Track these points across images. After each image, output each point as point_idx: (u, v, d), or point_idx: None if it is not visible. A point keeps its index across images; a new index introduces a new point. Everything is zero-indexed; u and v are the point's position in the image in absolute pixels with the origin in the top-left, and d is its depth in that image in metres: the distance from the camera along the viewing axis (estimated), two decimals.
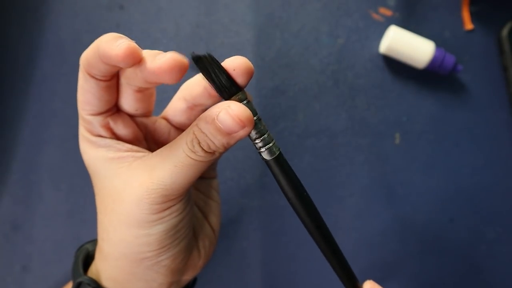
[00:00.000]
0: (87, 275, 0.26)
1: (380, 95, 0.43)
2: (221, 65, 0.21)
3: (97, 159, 0.24)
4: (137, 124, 0.26)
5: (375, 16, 0.44)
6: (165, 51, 0.21)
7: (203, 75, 0.21)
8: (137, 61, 0.20)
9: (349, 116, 0.43)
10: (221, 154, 0.22)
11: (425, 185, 0.42)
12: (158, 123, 0.27)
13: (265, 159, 0.23)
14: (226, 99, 0.21)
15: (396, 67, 0.43)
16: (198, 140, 0.21)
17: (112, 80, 0.23)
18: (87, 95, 0.23)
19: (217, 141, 0.21)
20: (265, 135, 0.22)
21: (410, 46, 0.41)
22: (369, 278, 0.26)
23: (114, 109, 0.25)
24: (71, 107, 0.42)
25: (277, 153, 0.22)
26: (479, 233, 0.42)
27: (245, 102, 0.21)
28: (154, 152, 0.23)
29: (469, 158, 0.43)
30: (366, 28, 0.44)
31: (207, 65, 0.21)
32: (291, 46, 0.43)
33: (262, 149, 0.22)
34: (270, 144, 0.22)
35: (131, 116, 0.26)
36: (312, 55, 0.43)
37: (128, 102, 0.25)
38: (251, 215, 0.41)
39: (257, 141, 0.22)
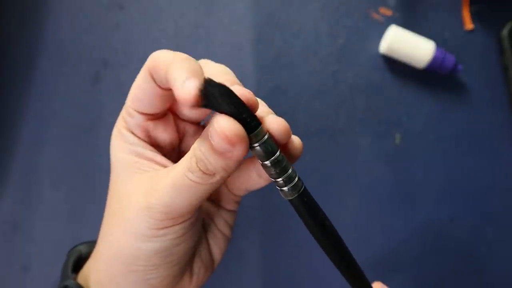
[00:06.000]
0: (77, 276, 0.26)
1: (380, 95, 0.43)
2: (238, 98, 0.19)
3: (119, 157, 0.23)
4: (179, 129, 0.25)
5: (375, 16, 0.44)
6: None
7: (217, 107, 0.18)
8: (197, 107, 0.18)
9: (349, 116, 0.43)
10: (223, 178, 0.20)
11: (425, 185, 0.42)
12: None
13: (288, 199, 0.21)
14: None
15: (396, 67, 0.43)
16: (196, 159, 0.19)
17: (170, 91, 0.21)
18: (141, 93, 0.22)
19: (213, 161, 0.19)
20: (289, 171, 0.20)
21: (410, 46, 0.41)
22: (369, 278, 0.26)
23: (161, 114, 0.24)
24: (71, 107, 0.42)
25: (302, 189, 0.20)
26: (479, 233, 0.42)
27: (266, 137, 0.19)
28: (168, 167, 0.22)
29: (469, 158, 0.43)
30: (366, 28, 0.44)
31: (221, 95, 0.18)
32: (291, 46, 0.43)
33: (284, 188, 0.20)
34: (294, 182, 0.20)
35: (180, 119, 0.25)
36: (312, 55, 0.43)
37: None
38: (251, 215, 0.41)
39: (278, 180, 0.20)
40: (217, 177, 0.20)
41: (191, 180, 0.20)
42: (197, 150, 0.19)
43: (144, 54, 0.43)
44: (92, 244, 0.28)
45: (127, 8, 0.43)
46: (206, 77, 0.18)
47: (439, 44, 0.42)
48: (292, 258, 0.41)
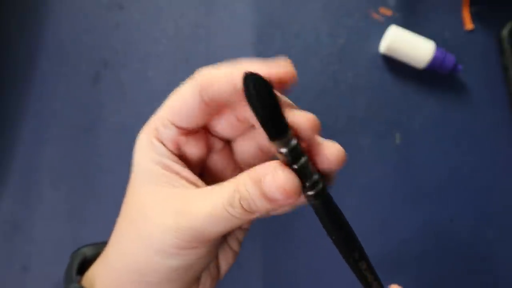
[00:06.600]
0: (81, 280, 0.26)
1: (380, 95, 0.43)
2: (276, 98, 0.18)
3: (145, 165, 0.22)
4: (207, 143, 0.25)
5: (375, 16, 0.44)
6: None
7: (251, 103, 0.18)
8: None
9: (349, 116, 0.43)
10: (262, 216, 0.20)
11: (425, 185, 0.42)
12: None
13: (312, 204, 0.20)
14: (270, 138, 0.19)
15: (396, 67, 0.43)
16: (240, 196, 0.19)
17: (214, 107, 0.22)
18: (184, 107, 0.21)
19: (259, 204, 0.19)
20: (315, 176, 0.20)
21: (410, 46, 0.41)
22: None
23: (195, 130, 0.23)
24: (71, 107, 0.42)
25: (326, 193, 0.20)
26: (479, 233, 0.42)
27: (293, 143, 0.19)
28: (201, 189, 0.22)
29: (469, 158, 0.43)
30: (366, 28, 0.44)
31: (258, 91, 0.17)
32: (291, 46, 0.43)
33: (310, 193, 0.20)
34: (319, 187, 0.20)
35: (209, 133, 0.24)
36: (312, 55, 0.43)
37: (224, 127, 0.23)
38: None
39: (309, 190, 0.20)
40: (256, 215, 0.20)
41: (230, 213, 0.20)
42: (242, 187, 0.19)
43: (144, 54, 0.43)
44: (96, 246, 0.28)
45: (127, 8, 0.43)
46: (250, 71, 0.18)
47: (439, 44, 0.42)
48: (292, 259, 0.41)
